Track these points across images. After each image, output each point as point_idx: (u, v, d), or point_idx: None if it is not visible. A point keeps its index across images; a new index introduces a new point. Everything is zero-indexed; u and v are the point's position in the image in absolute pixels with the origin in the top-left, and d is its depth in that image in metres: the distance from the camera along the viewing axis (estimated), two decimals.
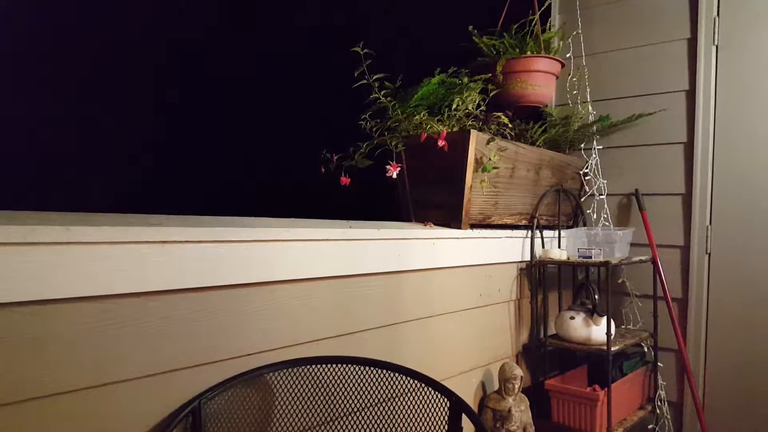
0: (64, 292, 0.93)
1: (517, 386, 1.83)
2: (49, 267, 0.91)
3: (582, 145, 2.50)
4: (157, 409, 1.07)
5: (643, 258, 2.20)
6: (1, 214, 0.98)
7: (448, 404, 1.27)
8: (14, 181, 3.39)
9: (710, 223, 2.22)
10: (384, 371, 1.33)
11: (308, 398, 1.30)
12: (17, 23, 3.53)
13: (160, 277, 1.06)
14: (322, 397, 1.32)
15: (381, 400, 1.34)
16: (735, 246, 2.17)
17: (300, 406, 1.29)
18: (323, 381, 1.32)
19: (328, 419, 1.34)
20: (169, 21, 3.55)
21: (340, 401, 1.33)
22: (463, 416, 1.26)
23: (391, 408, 1.34)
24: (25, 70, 3.56)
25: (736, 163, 2.18)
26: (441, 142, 1.77)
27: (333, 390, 1.33)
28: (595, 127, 2.43)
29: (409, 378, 1.31)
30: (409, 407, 1.33)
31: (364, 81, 1.82)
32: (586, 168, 2.48)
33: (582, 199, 2.51)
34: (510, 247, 2.06)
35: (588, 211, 2.49)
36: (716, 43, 2.22)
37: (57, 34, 3.51)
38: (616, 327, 2.15)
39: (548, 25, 2.55)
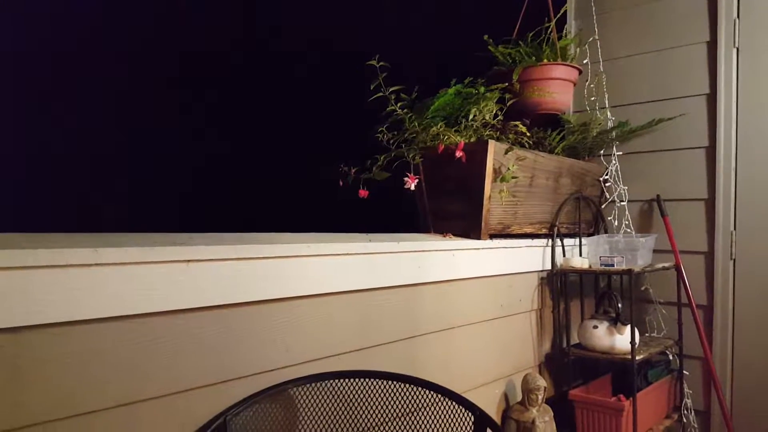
0: (92, 313, 0.95)
1: (540, 397, 1.82)
2: (77, 288, 0.93)
3: (601, 152, 2.48)
4: (184, 426, 1.08)
5: (666, 265, 2.16)
6: (29, 237, 1.00)
7: (472, 418, 1.26)
8: (20, 202, 3.45)
9: (734, 229, 2.18)
10: (406, 385, 1.33)
11: (332, 412, 1.31)
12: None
13: (184, 296, 1.07)
14: (345, 411, 1.32)
15: (404, 413, 1.34)
16: (761, 251, 2.13)
17: (324, 421, 1.30)
18: (346, 395, 1.32)
19: None
20: (172, 37, 3.59)
21: (363, 415, 1.33)
22: (488, 430, 1.26)
23: (414, 421, 1.34)
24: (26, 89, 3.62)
25: (760, 166, 2.14)
26: (459, 153, 1.78)
27: (356, 404, 1.33)
28: (614, 133, 2.41)
29: (432, 392, 1.31)
30: (432, 421, 1.32)
31: (381, 93, 1.83)
32: (606, 174, 2.45)
33: (602, 206, 2.49)
34: (530, 257, 2.05)
35: (609, 218, 2.47)
36: (737, 45, 2.18)
37: (57, 59, 3.58)
38: (639, 335, 2.12)
39: (564, 31, 2.54)
